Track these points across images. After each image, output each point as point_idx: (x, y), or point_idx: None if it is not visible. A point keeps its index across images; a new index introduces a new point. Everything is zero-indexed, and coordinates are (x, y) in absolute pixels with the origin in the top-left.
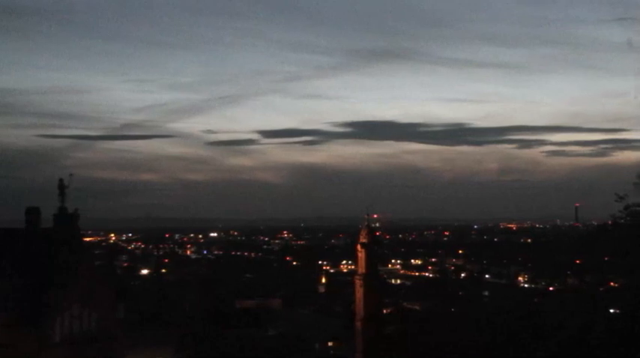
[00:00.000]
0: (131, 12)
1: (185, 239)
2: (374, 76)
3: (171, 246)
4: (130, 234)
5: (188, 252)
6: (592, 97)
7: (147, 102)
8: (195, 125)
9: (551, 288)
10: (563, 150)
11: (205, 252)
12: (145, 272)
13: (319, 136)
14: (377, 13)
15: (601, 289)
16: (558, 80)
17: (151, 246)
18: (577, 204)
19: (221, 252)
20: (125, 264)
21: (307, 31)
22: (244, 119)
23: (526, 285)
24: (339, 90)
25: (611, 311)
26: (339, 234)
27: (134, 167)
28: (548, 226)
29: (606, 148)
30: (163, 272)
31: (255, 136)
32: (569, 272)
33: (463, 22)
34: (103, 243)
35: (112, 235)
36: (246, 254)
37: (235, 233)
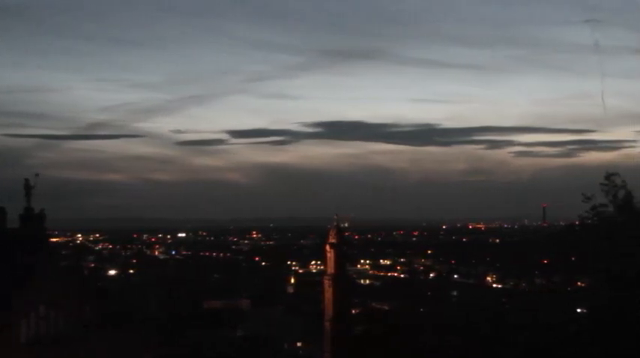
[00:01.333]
0: (98, 10)
1: (153, 239)
2: (342, 75)
3: (139, 246)
4: (98, 235)
5: (156, 253)
6: (559, 98)
7: (114, 101)
8: (162, 125)
9: (519, 288)
10: (531, 151)
11: (173, 252)
12: (112, 272)
13: (288, 136)
14: (346, 13)
15: (568, 289)
16: (526, 81)
17: (118, 247)
18: (544, 205)
19: (189, 253)
20: (92, 265)
21: (276, 31)
22: (212, 119)
23: (494, 285)
24: (307, 91)
25: (579, 310)
26: (309, 235)
27: (101, 167)
28: (516, 226)
29: (573, 149)
30: (131, 273)
31: (223, 136)
32: (537, 272)
33: (432, 22)
34: (70, 244)
35: (79, 235)
36: (214, 254)
37: (204, 233)
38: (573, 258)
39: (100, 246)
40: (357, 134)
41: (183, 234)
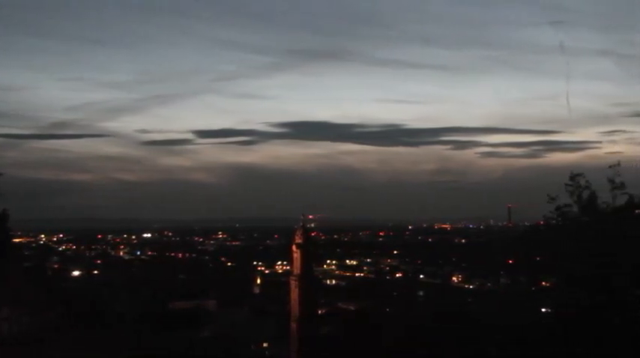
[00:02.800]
0: (63, 8)
1: (118, 240)
2: (310, 76)
3: (104, 246)
4: (62, 235)
5: (121, 253)
6: (525, 99)
7: (79, 100)
8: (129, 124)
9: (484, 288)
10: (497, 151)
11: (139, 252)
12: (76, 273)
13: (255, 136)
14: (313, 12)
15: (533, 289)
16: (492, 82)
17: (82, 247)
18: (509, 205)
19: (155, 253)
20: (56, 266)
21: (243, 30)
22: (179, 119)
23: (460, 285)
24: (275, 90)
25: (543, 310)
26: (275, 235)
27: (66, 167)
28: (482, 226)
29: (538, 150)
30: (95, 274)
31: (190, 136)
32: (502, 272)
33: (399, 22)
34: (34, 244)
35: (43, 236)
36: (180, 255)
37: (169, 233)
38: (538, 258)
39: (64, 247)
40: (324, 134)
41: (149, 235)
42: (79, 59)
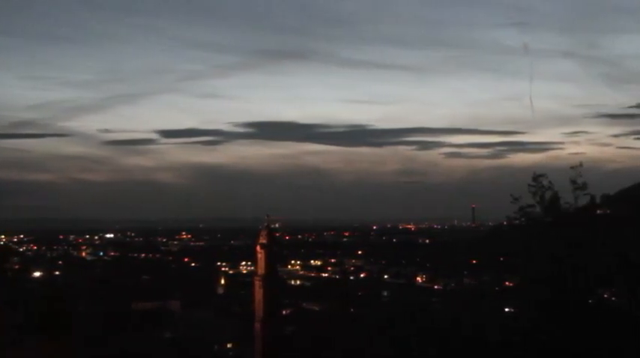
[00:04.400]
0: (24, 5)
1: (80, 240)
2: (275, 75)
3: (66, 247)
4: (22, 236)
5: (83, 254)
6: (489, 100)
7: (41, 99)
8: (91, 124)
9: (449, 288)
10: (461, 152)
11: (101, 253)
12: (37, 274)
13: (219, 136)
14: (278, 12)
15: (496, 289)
16: (456, 82)
17: (44, 248)
18: (473, 206)
19: (117, 254)
20: (17, 266)
21: (208, 29)
22: (143, 118)
23: (424, 285)
24: (239, 90)
25: (507, 310)
26: (240, 235)
27: (26, 166)
28: (446, 227)
29: (502, 150)
30: (57, 275)
31: (153, 136)
32: (465, 273)
33: (364, 23)
34: None
35: (3, 237)
36: (143, 255)
37: (132, 234)
38: (502, 259)
39: (25, 248)
40: (289, 134)
41: (112, 235)
42: (42, 57)
